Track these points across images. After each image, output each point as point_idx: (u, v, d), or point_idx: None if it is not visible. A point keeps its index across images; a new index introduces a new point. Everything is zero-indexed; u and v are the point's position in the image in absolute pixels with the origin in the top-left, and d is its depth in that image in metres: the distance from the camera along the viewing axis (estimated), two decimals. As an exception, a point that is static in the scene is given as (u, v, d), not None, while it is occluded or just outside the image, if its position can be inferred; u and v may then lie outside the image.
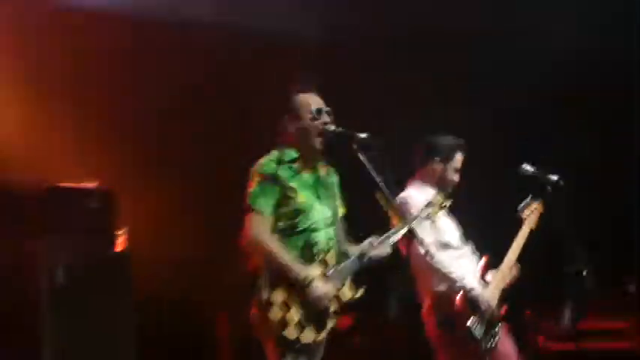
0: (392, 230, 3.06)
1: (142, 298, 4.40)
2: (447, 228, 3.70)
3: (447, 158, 3.74)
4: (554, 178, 3.82)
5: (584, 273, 3.76)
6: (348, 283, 3.00)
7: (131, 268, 4.36)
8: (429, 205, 3.31)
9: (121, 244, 4.41)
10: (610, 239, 4.87)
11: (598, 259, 3.81)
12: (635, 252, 5.01)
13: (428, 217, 3.29)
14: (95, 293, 4.18)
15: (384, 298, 4.76)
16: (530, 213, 3.83)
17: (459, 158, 3.76)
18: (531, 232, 3.81)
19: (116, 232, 4.38)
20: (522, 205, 3.85)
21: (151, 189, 4.91)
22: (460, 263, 3.62)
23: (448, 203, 3.46)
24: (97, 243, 4.33)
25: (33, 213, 4.12)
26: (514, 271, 3.72)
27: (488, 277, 3.69)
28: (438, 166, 3.74)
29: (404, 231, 3.05)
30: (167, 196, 5.00)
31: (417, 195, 3.57)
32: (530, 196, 3.86)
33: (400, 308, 4.61)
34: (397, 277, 3.97)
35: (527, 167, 3.89)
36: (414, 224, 3.13)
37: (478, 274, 3.67)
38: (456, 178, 3.77)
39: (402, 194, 3.60)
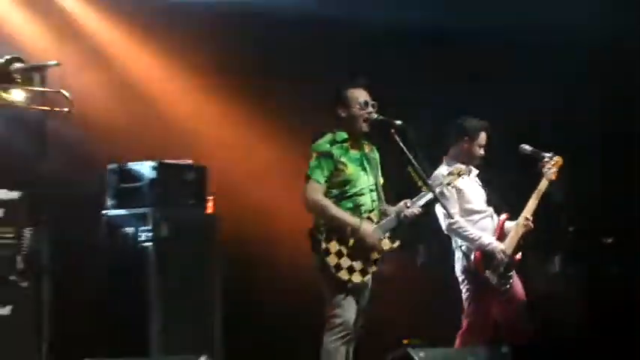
0: (420, 195, 3.84)
1: (227, 250, 5.13)
2: (473, 195, 4.45)
3: (473, 137, 4.47)
4: (549, 155, 4.52)
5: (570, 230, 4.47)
6: (387, 236, 3.80)
7: (219, 227, 5.10)
8: (449, 174, 4.08)
9: (210, 207, 5.14)
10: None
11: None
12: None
13: (449, 184, 4.05)
14: (191, 246, 4.91)
15: (421, 248, 5.57)
16: (551, 167, 4.47)
17: (483, 136, 4.48)
18: (551, 184, 4.46)
19: (207, 199, 5.12)
20: (544, 160, 4.50)
21: (235, 163, 5.68)
22: (481, 224, 4.40)
23: (468, 173, 4.23)
24: (194, 206, 5.05)
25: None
26: (529, 223, 4.40)
27: (508, 227, 4.45)
28: (465, 144, 4.48)
29: (430, 196, 3.83)
30: (250, 168, 5.79)
31: (446, 170, 4.28)
32: (551, 153, 4.51)
33: (434, 257, 5.43)
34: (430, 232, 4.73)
35: (526, 147, 4.59)
36: (437, 190, 3.92)
37: (497, 228, 4.44)
38: (481, 152, 4.51)
39: (435, 172, 4.34)
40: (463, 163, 4.36)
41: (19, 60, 4.00)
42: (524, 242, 4.41)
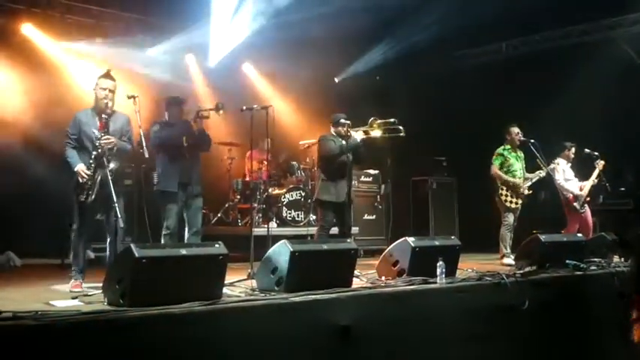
0: (539, 171, 9.53)
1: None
2: (568, 172, 10.01)
3: (569, 149, 10.07)
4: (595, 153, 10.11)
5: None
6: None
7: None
8: (552, 164, 9.77)
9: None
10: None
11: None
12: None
13: (552, 167, 9.72)
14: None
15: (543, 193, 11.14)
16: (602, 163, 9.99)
17: (572, 150, 10.05)
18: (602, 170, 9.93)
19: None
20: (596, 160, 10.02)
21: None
22: (572, 185, 9.96)
23: (569, 163, 9.93)
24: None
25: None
26: (595, 181, 9.89)
27: (583, 185, 9.89)
28: (567, 152, 10.07)
29: (544, 172, 9.56)
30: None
31: (562, 162, 9.91)
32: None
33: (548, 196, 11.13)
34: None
35: (587, 150, 10.11)
36: (550, 170, 9.57)
37: (580, 187, 9.94)
38: (572, 155, 10.13)
39: (554, 161, 9.98)
40: (567, 159, 10.09)
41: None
42: (589, 194, 9.97)
